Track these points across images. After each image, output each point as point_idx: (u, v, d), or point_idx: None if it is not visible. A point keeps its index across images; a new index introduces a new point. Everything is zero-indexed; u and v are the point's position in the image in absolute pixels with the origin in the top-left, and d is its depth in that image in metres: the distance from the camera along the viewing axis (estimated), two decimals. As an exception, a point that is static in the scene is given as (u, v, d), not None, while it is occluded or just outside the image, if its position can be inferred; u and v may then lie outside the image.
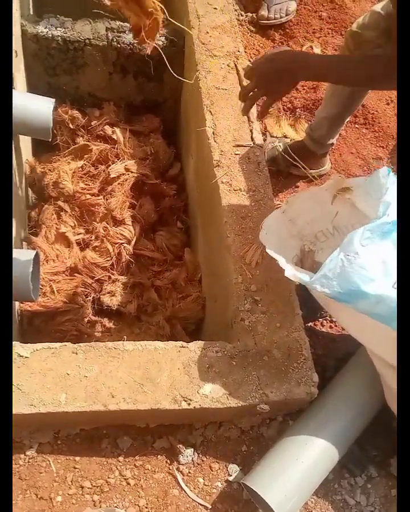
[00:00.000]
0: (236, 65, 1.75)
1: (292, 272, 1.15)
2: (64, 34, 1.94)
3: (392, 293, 1.02)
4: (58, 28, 1.95)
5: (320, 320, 1.64)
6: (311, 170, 1.91)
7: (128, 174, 1.91)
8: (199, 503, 1.22)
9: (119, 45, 1.98)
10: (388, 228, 1.04)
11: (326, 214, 1.39)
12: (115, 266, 1.75)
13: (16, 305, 1.63)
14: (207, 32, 1.90)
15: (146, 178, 1.93)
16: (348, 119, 1.78)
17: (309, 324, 1.62)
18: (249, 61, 2.14)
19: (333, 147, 1.97)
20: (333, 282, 1.04)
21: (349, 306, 1.08)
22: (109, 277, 1.74)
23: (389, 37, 1.40)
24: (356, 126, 2.07)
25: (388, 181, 1.11)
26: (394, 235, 1.05)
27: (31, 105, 1.56)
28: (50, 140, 1.66)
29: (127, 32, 1.96)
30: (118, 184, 1.89)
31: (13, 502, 1.14)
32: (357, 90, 1.64)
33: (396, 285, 1.02)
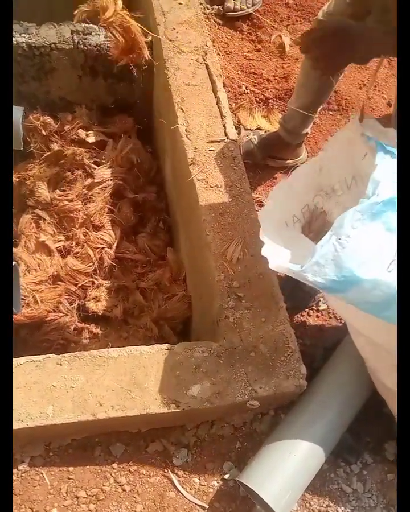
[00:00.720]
0: None
1: (276, 264, 1.07)
2: (29, 40, 1.92)
3: (387, 278, 0.97)
4: (22, 34, 1.93)
5: (306, 310, 1.64)
6: (287, 161, 1.90)
7: (111, 181, 1.89)
8: (196, 503, 1.22)
9: (85, 48, 1.95)
10: (377, 209, 0.98)
11: (353, 156, 1.26)
12: (98, 271, 1.74)
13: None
14: (173, 28, 1.88)
15: (124, 189, 1.91)
16: (320, 108, 1.77)
17: (296, 315, 1.62)
18: (218, 54, 2.13)
19: (308, 136, 1.96)
20: (326, 269, 0.97)
21: (340, 297, 1.03)
22: (93, 283, 1.72)
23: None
24: (330, 112, 2.06)
25: (378, 156, 1.04)
26: (384, 216, 0.99)
27: (-2, 115, 1.54)
28: (22, 149, 1.64)
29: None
30: (99, 189, 1.88)
31: (8, 517, 1.14)
32: (326, 81, 1.63)
33: (390, 269, 0.97)
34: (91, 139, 2.04)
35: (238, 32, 2.22)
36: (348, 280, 0.97)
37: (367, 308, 1.02)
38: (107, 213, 1.83)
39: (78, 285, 1.71)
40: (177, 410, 1.16)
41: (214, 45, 2.11)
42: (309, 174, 1.32)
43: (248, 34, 2.22)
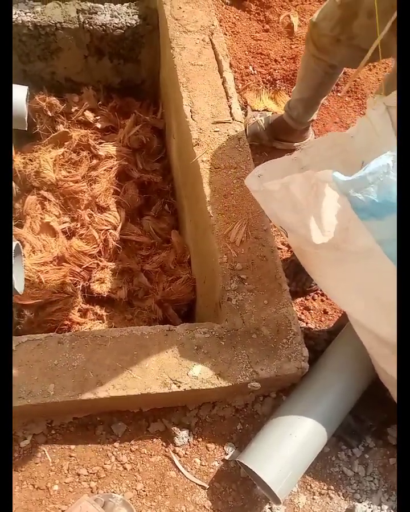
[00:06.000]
0: None
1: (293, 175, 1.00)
2: (34, 20, 1.90)
3: None
4: (28, 13, 1.91)
5: (311, 294, 1.63)
6: (294, 144, 1.87)
7: (115, 161, 1.89)
8: (196, 483, 1.22)
9: (91, 27, 1.94)
10: None
11: (346, 167, 1.20)
12: (102, 253, 1.74)
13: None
14: (180, 7, 1.86)
15: (130, 170, 1.90)
16: (324, 99, 1.74)
17: (300, 299, 1.61)
18: (225, 34, 2.09)
19: (316, 119, 1.93)
20: (370, 188, 0.90)
21: (371, 227, 0.94)
22: (97, 265, 1.72)
23: (344, 27, 1.37)
24: (339, 94, 2.03)
25: None
26: None
27: (2, 95, 1.53)
28: (26, 129, 1.63)
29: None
30: (105, 170, 1.87)
31: (10, 493, 1.15)
32: (327, 77, 1.61)
33: None
34: (100, 125, 2.03)
35: (246, 12, 2.18)
36: (388, 206, 0.91)
37: (392, 250, 0.95)
38: (112, 195, 1.83)
39: (83, 266, 1.71)
40: (179, 390, 1.16)
41: (221, 25, 2.08)
42: (290, 172, 1.26)
43: (256, 14, 2.18)
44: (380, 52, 1.07)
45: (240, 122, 1.59)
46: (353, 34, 1.34)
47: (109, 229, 1.75)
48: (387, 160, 0.91)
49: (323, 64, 1.53)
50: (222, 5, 2.15)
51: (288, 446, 1.16)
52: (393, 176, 0.90)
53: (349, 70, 2.04)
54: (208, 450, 1.27)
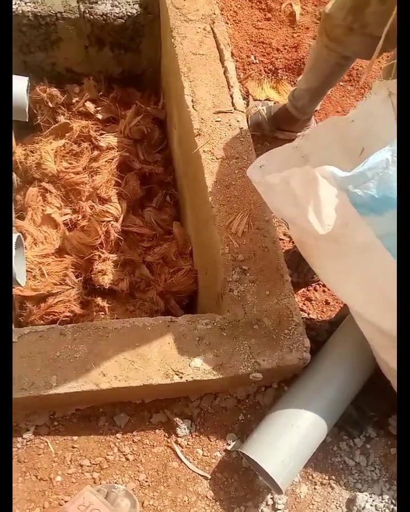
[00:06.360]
0: None
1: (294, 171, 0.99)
2: (34, 9, 1.89)
3: None
4: (27, 3, 1.90)
5: (313, 285, 1.63)
6: (297, 134, 1.86)
7: (116, 152, 1.88)
8: (198, 473, 1.23)
9: (92, 17, 1.92)
10: None
11: (346, 153, 1.20)
12: (104, 245, 1.73)
13: (8, 290, 1.63)
14: (181, -4, 1.84)
15: (131, 161, 1.90)
16: (329, 90, 1.73)
17: (302, 290, 1.61)
18: (227, 23, 2.07)
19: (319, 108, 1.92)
20: (370, 183, 0.89)
21: (371, 222, 0.93)
22: (99, 256, 1.72)
23: (356, 15, 1.36)
24: (341, 83, 2.01)
25: None
26: None
27: (2, 85, 1.52)
28: (27, 120, 1.63)
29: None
30: (106, 161, 1.86)
31: (13, 484, 1.16)
32: (338, 68, 1.59)
33: None
34: (100, 116, 2.02)
35: (247, 0, 2.16)
36: (388, 201, 0.90)
37: (392, 245, 0.94)
38: (113, 186, 1.82)
39: (85, 258, 1.71)
40: (181, 381, 1.16)
41: (222, 14, 2.06)
42: (293, 161, 1.22)
43: (258, 3, 2.15)
44: (396, 40, 1.06)
45: (242, 111, 1.58)
46: (366, 22, 1.34)
47: (110, 221, 1.75)
48: (386, 155, 0.89)
49: (335, 55, 1.52)
50: (224, -6, 2.13)
51: (290, 437, 1.16)
52: (392, 171, 0.89)
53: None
54: (210, 441, 1.27)
